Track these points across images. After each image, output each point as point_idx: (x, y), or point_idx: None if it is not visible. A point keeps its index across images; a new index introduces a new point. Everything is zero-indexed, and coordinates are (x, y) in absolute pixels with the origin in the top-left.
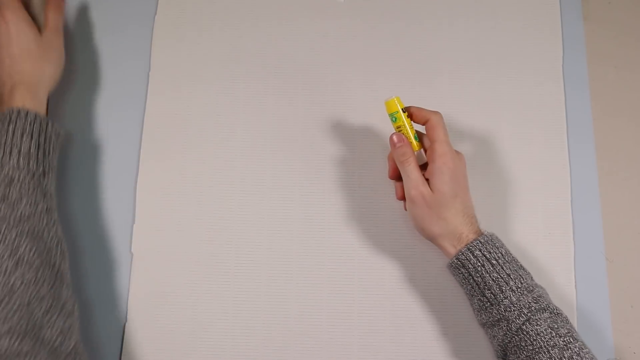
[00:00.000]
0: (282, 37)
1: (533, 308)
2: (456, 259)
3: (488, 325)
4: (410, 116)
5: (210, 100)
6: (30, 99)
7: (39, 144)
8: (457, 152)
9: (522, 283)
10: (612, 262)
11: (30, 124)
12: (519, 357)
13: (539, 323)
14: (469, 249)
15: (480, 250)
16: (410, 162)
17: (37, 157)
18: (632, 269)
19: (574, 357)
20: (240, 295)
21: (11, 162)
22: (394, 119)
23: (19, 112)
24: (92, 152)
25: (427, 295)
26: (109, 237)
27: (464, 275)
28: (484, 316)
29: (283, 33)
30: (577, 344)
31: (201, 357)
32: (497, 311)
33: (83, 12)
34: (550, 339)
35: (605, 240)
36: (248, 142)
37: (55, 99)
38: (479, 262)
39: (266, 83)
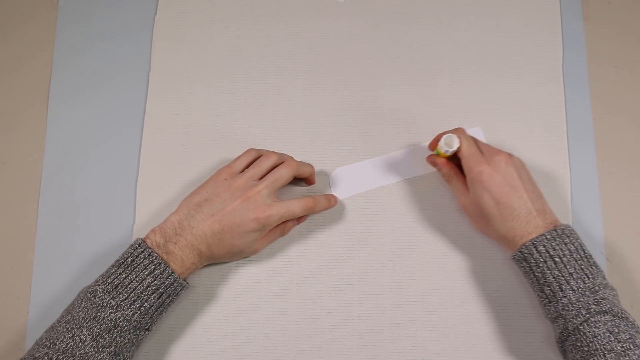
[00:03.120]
0: (282, 37)
1: (592, 310)
2: (519, 251)
3: (549, 320)
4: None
5: (210, 100)
6: (192, 265)
7: (161, 303)
8: (501, 157)
9: (585, 283)
10: (612, 262)
11: (168, 286)
12: (574, 356)
13: (597, 325)
14: (533, 244)
15: (544, 246)
16: (451, 180)
17: (152, 315)
18: (632, 269)
19: None
20: (240, 295)
21: (128, 311)
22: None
23: (171, 273)
24: (92, 152)
25: (427, 295)
26: (109, 237)
27: (525, 269)
28: (544, 311)
29: (283, 33)
30: (637, 351)
31: (201, 357)
32: (555, 309)
33: (83, 12)
34: (607, 342)
35: (605, 240)
36: (248, 142)
37: (56, 99)
38: (542, 257)
39: (266, 83)
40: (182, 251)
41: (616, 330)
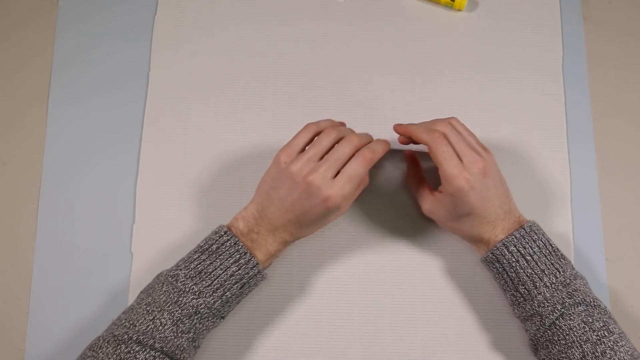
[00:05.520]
0: (282, 37)
1: (567, 303)
2: (491, 253)
3: (522, 319)
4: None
5: (210, 100)
6: (277, 251)
7: (241, 293)
8: (479, 166)
9: (557, 278)
10: (612, 262)
11: (251, 277)
12: (550, 351)
13: (572, 318)
14: (504, 244)
15: (515, 246)
16: (417, 187)
17: (231, 304)
18: (632, 269)
19: (607, 351)
20: None
21: (210, 298)
22: None
23: (256, 264)
24: (92, 152)
25: (427, 295)
26: (109, 237)
27: (497, 270)
28: (517, 310)
29: (283, 33)
30: (612, 337)
31: (201, 357)
32: (531, 307)
33: (83, 12)
34: (583, 333)
35: (605, 240)
36: (248, 142)
37: (56, 99)
38: (514, 257)
39: (266, 83)
40: (265, 240)
41: (590, 320)
